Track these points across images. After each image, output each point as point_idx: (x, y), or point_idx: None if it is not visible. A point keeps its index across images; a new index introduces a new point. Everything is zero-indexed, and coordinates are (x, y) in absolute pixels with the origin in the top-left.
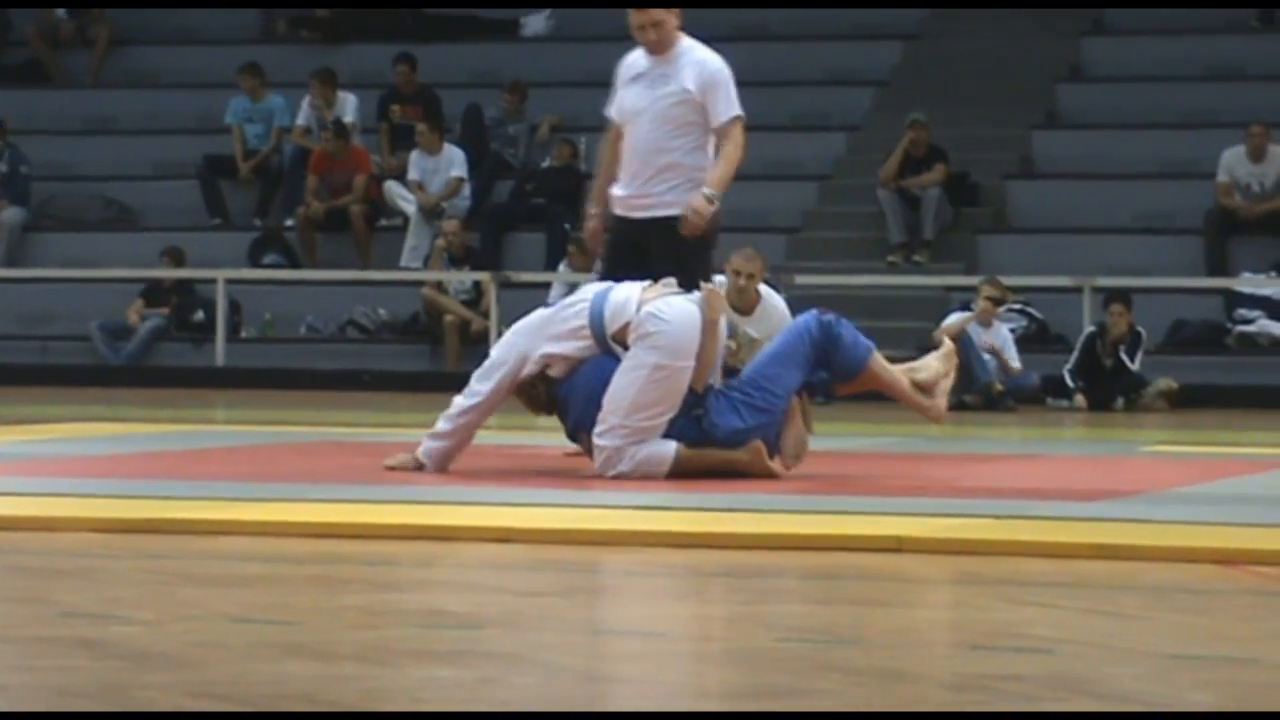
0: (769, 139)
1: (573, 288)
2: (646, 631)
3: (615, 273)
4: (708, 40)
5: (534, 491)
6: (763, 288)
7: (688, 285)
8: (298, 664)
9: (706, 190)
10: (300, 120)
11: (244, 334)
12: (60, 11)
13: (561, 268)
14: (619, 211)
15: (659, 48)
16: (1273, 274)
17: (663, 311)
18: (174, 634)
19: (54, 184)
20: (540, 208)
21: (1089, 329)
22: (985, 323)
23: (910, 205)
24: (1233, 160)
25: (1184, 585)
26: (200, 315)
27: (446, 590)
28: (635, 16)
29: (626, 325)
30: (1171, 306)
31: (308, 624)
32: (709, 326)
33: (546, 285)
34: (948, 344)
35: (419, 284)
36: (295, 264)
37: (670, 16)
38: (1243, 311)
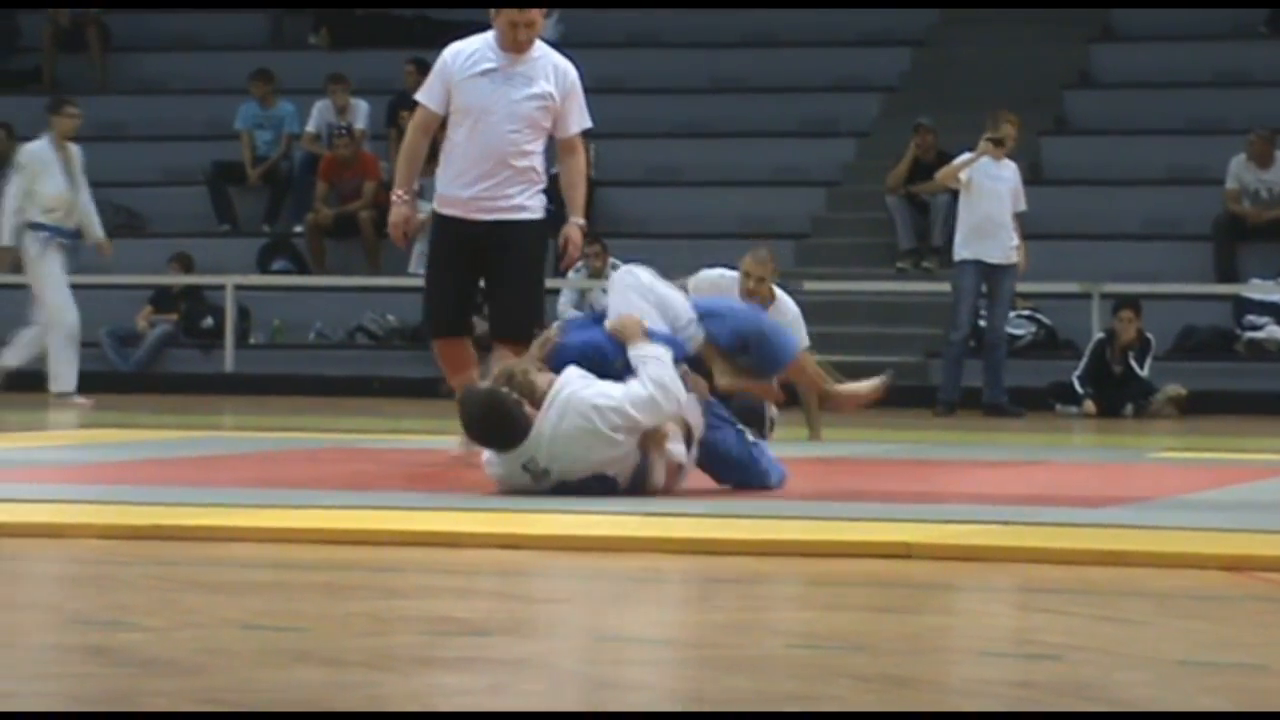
0: (777, 145)
1: (583, 295)
2: (654, 638)
3: (447, 273)
4: (719, 47)
5: (540, 498)
6: (776, 289)
7: (539, 292)
8: (306, 670)
9: (580, 221)
10: (310, 126)
11: (253, 340)
12: (76, 10)
13: (571, 274)
14: (455, 212)
15: (525, 47)
16: None
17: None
18: (182, 641)
19: None
20: (550, 214)
21: (1098, 335)
22: (996, 157)
23: (919, 211)
24: (1241, 166)
25: (1192, 591)
26: (209, 321)
27: (454, 597)
28: (515, 14)
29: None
30: (1180, 312)
31: (315, 630)
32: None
33: (555, 291)
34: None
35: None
36: (304, 270)
37: (541, 18)
38: (1251, 317)
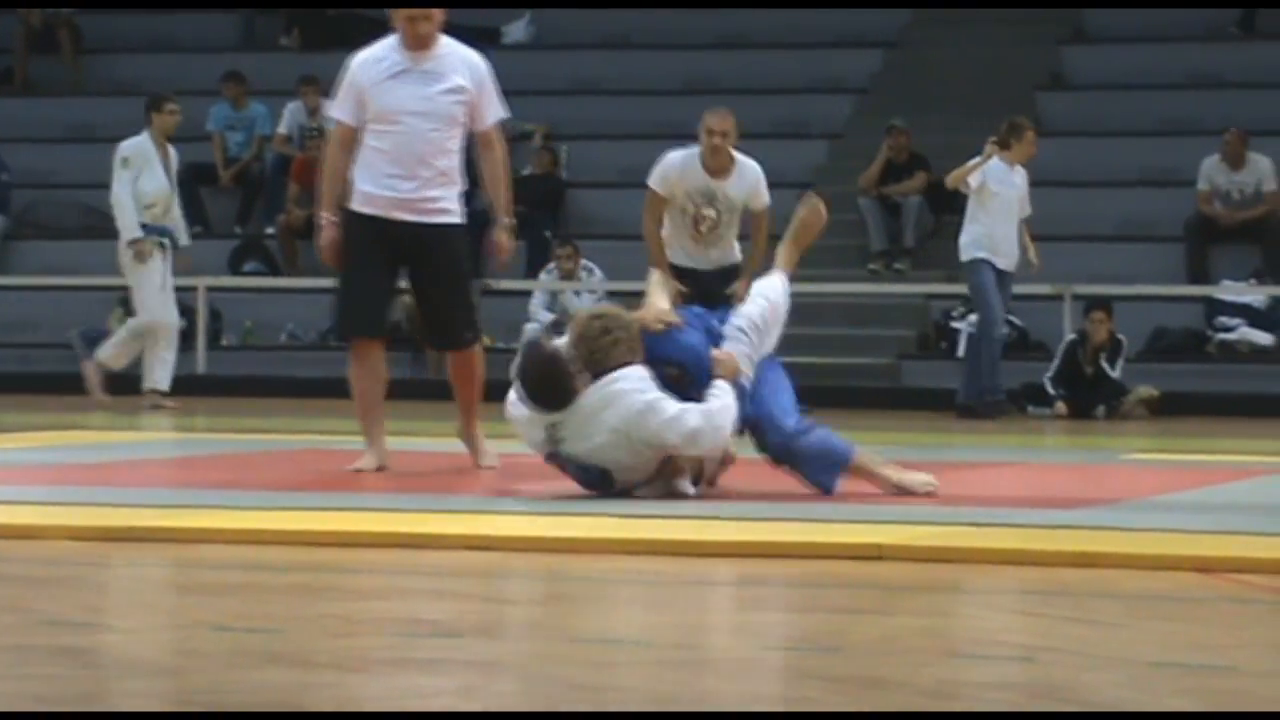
0: (749, 146)
1: (554, 297)
2: (627, 639)
3: (366, 272)
4: (691, 48)
5: (513, 499)
6: (735, 152)
7: (467, 291)
8: (278, 672)
9: (508, 221)
10: (282, 128)
11: (225, 342)
12: (48, 10)
13: (543, 276)
14: (375, 211)
15: (428, 43)
16: (1253, 281)
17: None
18: (155, 642)
19: (34, 191)
20: (520, 215)
21: (1070, 336)
22: (1008, 162)
23: (891, 213)
24: (1213, 168)
25: (1164, 593)
26: (181, 323)
27: (426, 598)
28: (411, 11)
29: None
30: (1152, 314)
31: (288, 632)
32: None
33: (527, 293)
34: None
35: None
36: (276, 271)
37: (440, 12)
38: (1223, 319)
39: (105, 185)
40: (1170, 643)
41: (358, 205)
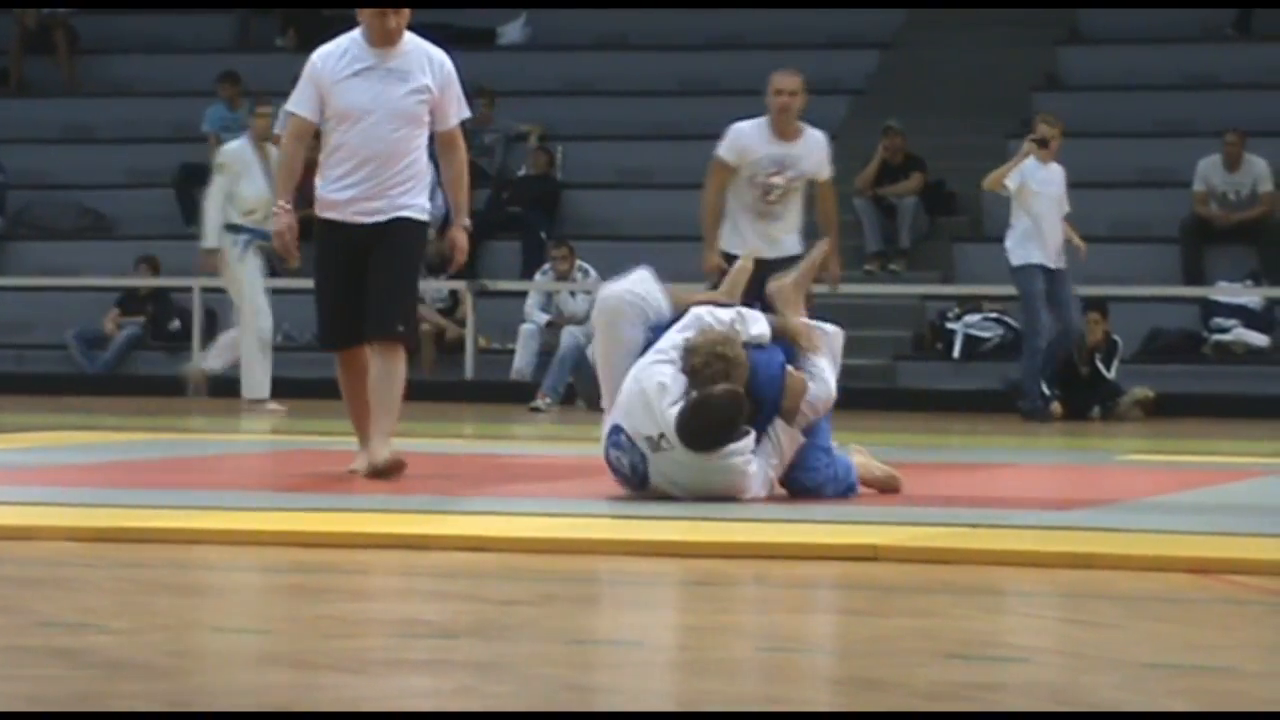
0: None
1: (550, 298)
2: (623, 640)
3: (333, 281)
4: (687, 49)
5: (510, 500)
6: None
7: (410, 283)
8: (275, 673)
9: (465, 223)
10: (277, 129)
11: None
12: (44, 11)
13: (538, 276)
14: (335, 216)
15: (394, 38)
16: (1249, 283)
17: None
18: (150, 643)
19: (30, 192)
20: (516, 216)
21: None
22: (1042, 160)
23: (887, 214)
24: (1209, 169)
25: (1160, 594)
26: (176, 324)
27: (422, 599)
28: (383, 9)
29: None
30: (1148, 315)
31: (284, 633)
32: None
33: (523, 294)
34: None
35: None
36: (272, 273)
37: (409, 11)
38: (1219, 320)
39: (101, 186)
40: (1166, 644)
41: (322, 211)
